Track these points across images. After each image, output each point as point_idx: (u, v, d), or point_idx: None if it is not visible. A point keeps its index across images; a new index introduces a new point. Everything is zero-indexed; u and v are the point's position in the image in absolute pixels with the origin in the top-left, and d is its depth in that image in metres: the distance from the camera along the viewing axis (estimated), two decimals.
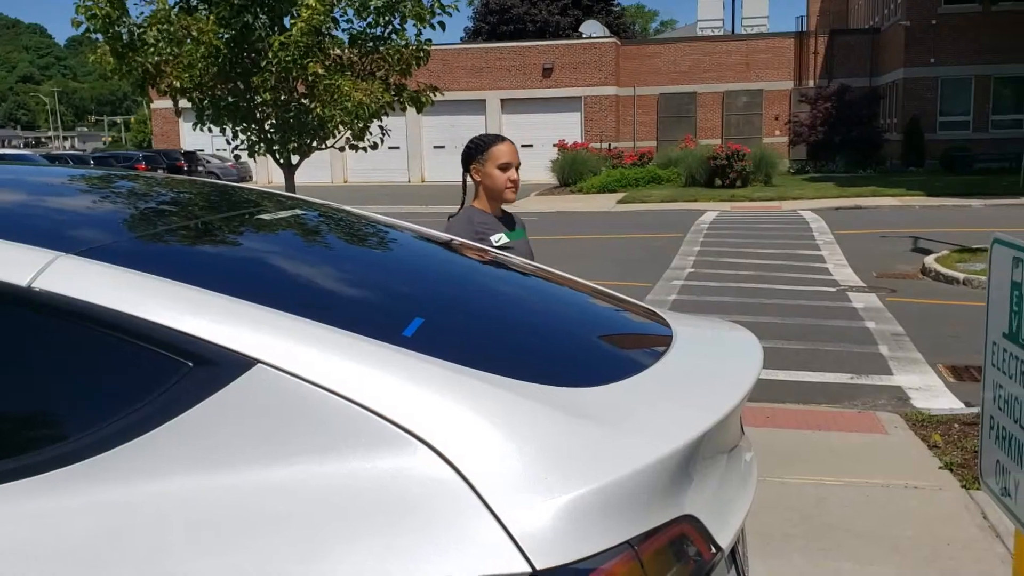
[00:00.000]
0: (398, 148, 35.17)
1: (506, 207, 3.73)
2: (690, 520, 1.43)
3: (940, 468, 4.59)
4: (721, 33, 40.27)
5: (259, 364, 1.35)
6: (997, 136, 30.41)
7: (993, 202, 20.31)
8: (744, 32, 39.77)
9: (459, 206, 3.71)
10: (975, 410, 5.54)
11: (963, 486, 4.33)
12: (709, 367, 1.86)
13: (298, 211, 2.31)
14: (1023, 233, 1.62)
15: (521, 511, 1.23)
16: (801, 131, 32.28)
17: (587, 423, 1.39)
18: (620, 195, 25.45)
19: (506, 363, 1.51)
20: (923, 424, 5.31)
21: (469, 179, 3.68)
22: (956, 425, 5.25)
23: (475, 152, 3.62)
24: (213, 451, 1.32)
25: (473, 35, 48.25)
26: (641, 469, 1.32)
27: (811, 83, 35.39)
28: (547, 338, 1.86)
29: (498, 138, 3.67)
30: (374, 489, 1.27)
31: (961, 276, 10.78)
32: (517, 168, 3.63)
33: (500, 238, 3.53)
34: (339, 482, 1.28)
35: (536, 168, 34.74)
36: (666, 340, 1.92)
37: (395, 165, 36.58)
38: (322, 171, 34.85)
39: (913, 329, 8.29)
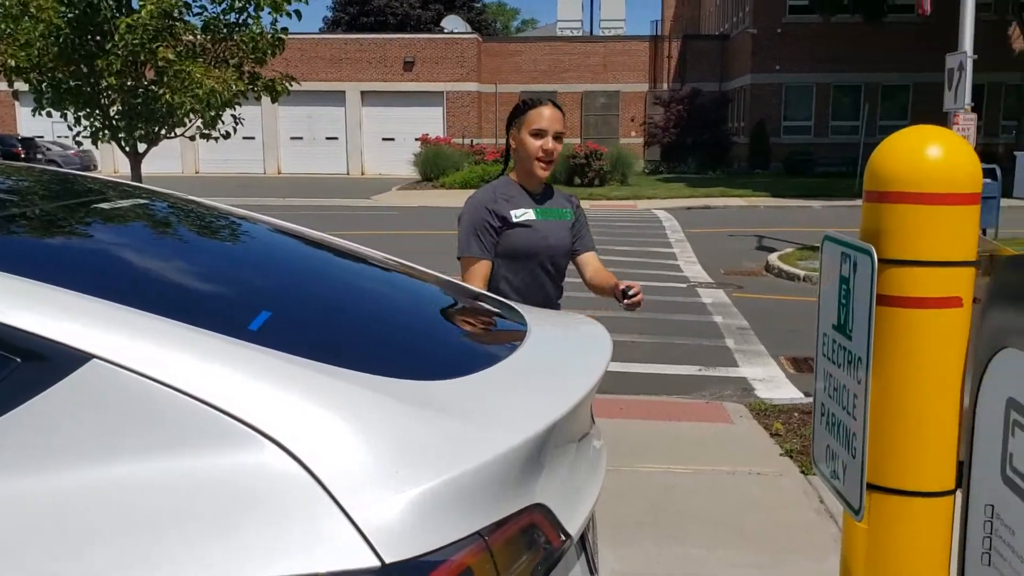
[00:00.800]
0: (253, 138, 34.17)
1: (557, 186, 3.34)
2: (540, 509, 1.45)
3: (781, 455, 4.84)
4: (580, 34, 41.04)
5: (93, 359, 1.28)
6: (836, 141, 32.23)
7: (832, 203, 21.56)
8: (602, 34, 40.67)
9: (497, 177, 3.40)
10: (812, 399, 5.86)
11: (802, 472, 4.57)
12: (560, 359, 1.89)
13: (141, 200, 2.21)
14: (856, 232, 1.72)
15: (370, 505, 1.22)
16: (655, 133, 33.34)
17: (438, 416, 1.39)
18: None
19: (356, 358, 1.50)
20: (766, 413, 5.58)
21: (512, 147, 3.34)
22: (796, 414, 5.55)
23: (514, 115, 3.28)
24: (45, 450, 1.25)
25: (332, 25, 47.43)
26: (491, 460, 1.33)
27: (665, 86, 36.57)
28: (400, 332, 1.85)
29: (540, 101, 3.27)
30: (219, 487, 1.23)
31: (802, 273, 11.39)
32: (556, 138, 3.21)
33: (524, 213, 3.20)
34: (182, 480, 1.23)
35: (398, 163, 34.49)
36: (520, 333, 1.94)
37: (250, 156, 35.51)
38: (172, 161, 33.46)
39: (757, 323, 8.70)
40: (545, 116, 3.19)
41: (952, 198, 1.54)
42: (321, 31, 44.75)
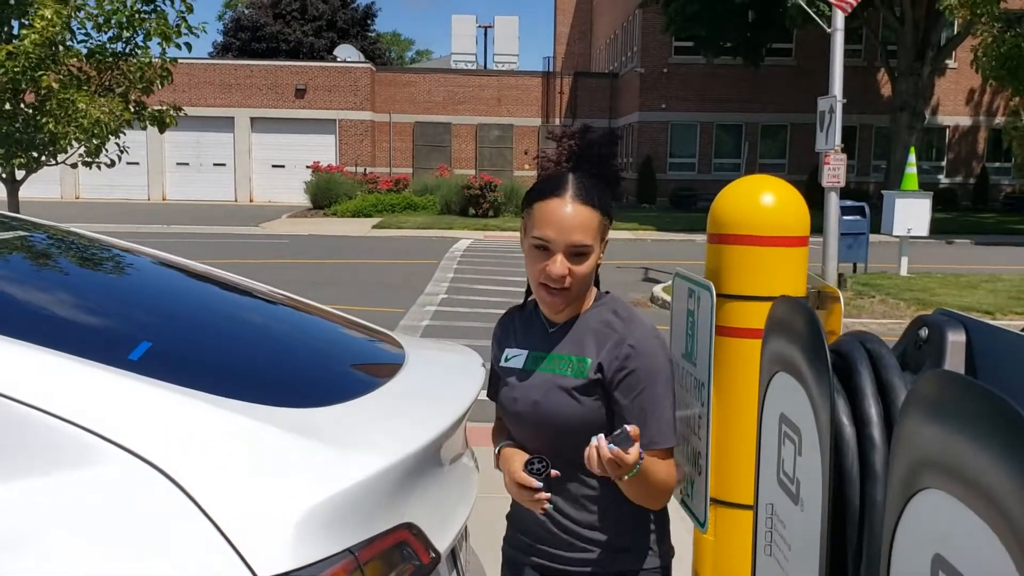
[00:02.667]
0: (138, 164, 33.19)
1: (586, 313, 1.90)
2: (410, 527, 1.55)
3: None
4: (474, 67, 41.55)
5: None
6: (719, 178, 33.46)
7: None
8: (496, 68, 41.28)
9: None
10: None
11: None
12: (434, 386, 2.01)
13: (22, 232, 2.23)
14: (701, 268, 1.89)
15: (245, 524, 1.30)
16: (548, 166, 33.92)
17: (313, 441, 1.49)
18: (375, 220, 25.52)
19: (235, 385, 1.58)
20: None
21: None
22: None
23: (525, 203, 1.90)
24: None
25: (223, 50, 46.65)
26: (362, 481, 1.44)
27: (557, 121, 37.33)
28: (280, 361, 1.93)
29: (556, 186, 1.83)
30: (97, 509, 1.29)
31: None
32: (578, 254, 1.80)
33: (515, 356, 1.96)
34: (60, 502, 1.29)
35: (288, 190, 34.04)
36: (397, 362, 2.05)
37: (134, 182, 34.46)
38: (51, 186, 32.18)
39: None
40: (556, 218, 1.78)
41: (782, 240, 1.73)
42: (211, 55, 43.97)
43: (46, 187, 30.51)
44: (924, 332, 0.85)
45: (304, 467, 1.41)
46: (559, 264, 1.77)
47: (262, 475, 1.37)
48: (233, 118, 35.56)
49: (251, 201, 35.58)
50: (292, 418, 1.53)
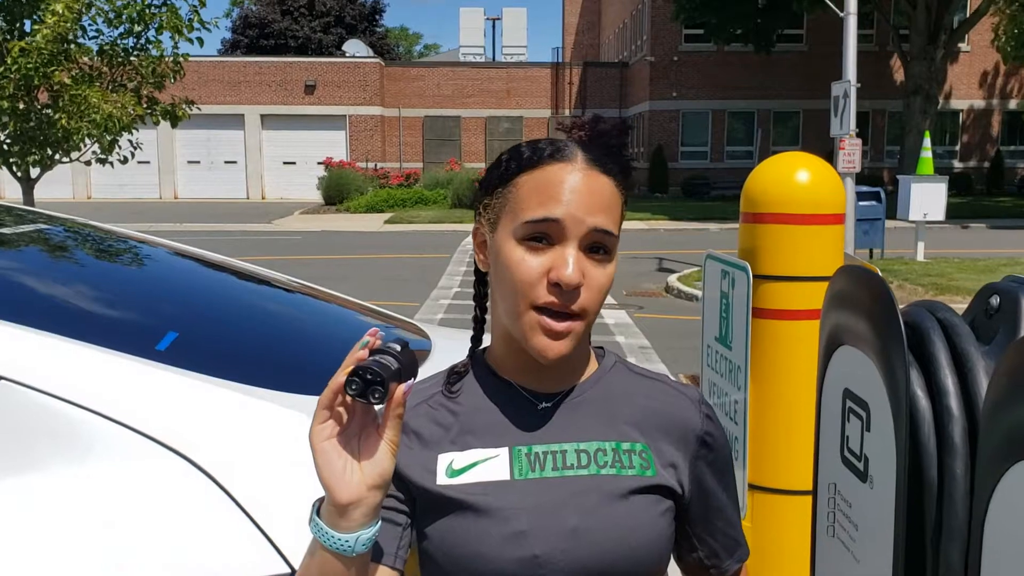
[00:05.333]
0: (149, 163, 33.31)
1: (600, 375, 1.16)
2: None
3: None
4: (483, 60, 41.47)
5: (1, 380, 1.31)
6: (731, 166, 33.34)
7: (728, 226, 22.28)
8: (505, 60, 41.19)
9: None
10: None
11: None
12: None
13: (41, 225, 2.21)
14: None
15: (277, 515, 1.27)
16: None
17: None
18: (388, 215, 25.53)
19: (266, 375, 1.55)
20: None
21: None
22: None
23: (489, 183, 1.12)
24: None
25: (231, 48, 46.69)
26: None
27: (567, 112, 37.23)
28: (306, 350, 1.90)
29: (558, 149, 1.09)
30: (129, 499, 1.27)
31: (700, 293, 11.77)
32: (594, 249, 1.06)
33: (471, 465, 1.08)
34: (93, 492, 1.27)
35: (299, 187, 34.08)
36: (425, 348, 2.02)
37: (145, 181, 34.56)
38: (62, 186, 32.29)
39: (658, 342, 8.96)
40: (565, 189, 1.05)
41: (817, 218, 1.69)
42: (220, 53, 44.02)
43: (58, 187, 30.64)
44: (995, 300, 0.81)
45: None
46: (572, 263, 1.02)
47: (294, 466, 1.34)
48: (243, 115, 35.61)
49: (263, 198, 35.66)
50: None
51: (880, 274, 1.62)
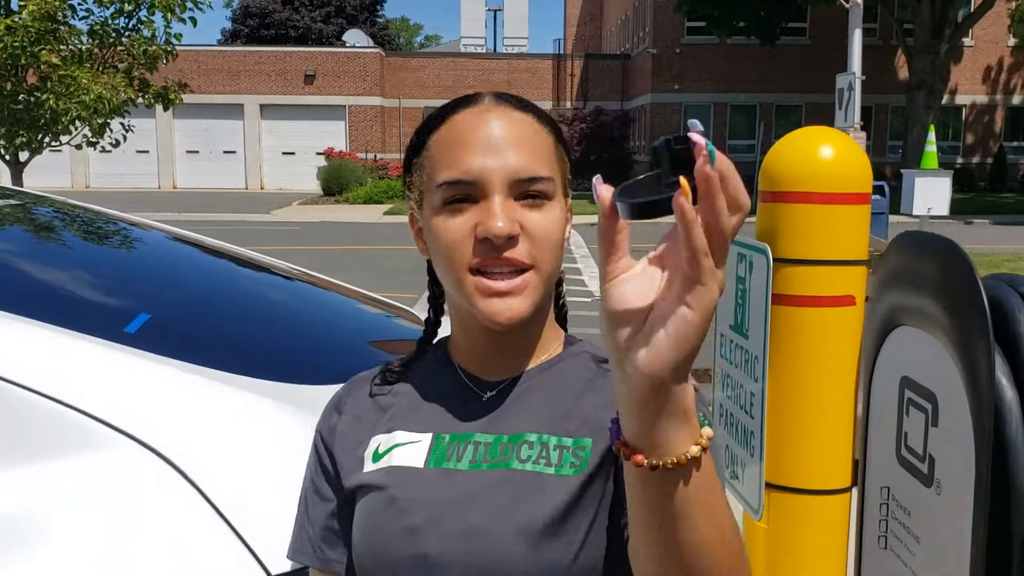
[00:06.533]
0: (147, 152, 33.15)
1: (556, 366, 1.00)
2: None
3: None
4: (484, 51, 41.26)
5: None
6: (734, 159, 32.96)
7: None
8: (506, 51, 40.99)
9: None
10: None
11: None
12: None
13: (15, 201, 2.08)
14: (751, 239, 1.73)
15: (252, 515, 1.15)
16: None
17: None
18: (387, 206, 25.37)
19: (244, 361, 1.43)
20: None
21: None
22: None
23: (412, 153, 1.02)
24: None
25: (232, 37, 46.49)
26: None
27: (568, 104, 37.05)
28: (297, 337, 1.78)
29: (465, 99, 0.99)
30: (93, 490, 1.15)
31: None
32: (522, 197, 0.92)
33: (395, 446, 0.97)
34: (53, 485, 1.15)
35: (298, 177, 33.89)
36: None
37: (144, 170, 34.37)
38: (61, 175, 32.12)
39: None
40: (477, 137, 0.92)
41: (843, 197, 1.56)
42: (219, 43, 43.83)
43: (56, 176, 30.52)
44: None
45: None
46: (498, 210, 0.89)
47: (265, 457, 1.22)
48: (242, 105, 35.45)
49: (262, 188, 35.52)
50: (299, 394, 1.38)
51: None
